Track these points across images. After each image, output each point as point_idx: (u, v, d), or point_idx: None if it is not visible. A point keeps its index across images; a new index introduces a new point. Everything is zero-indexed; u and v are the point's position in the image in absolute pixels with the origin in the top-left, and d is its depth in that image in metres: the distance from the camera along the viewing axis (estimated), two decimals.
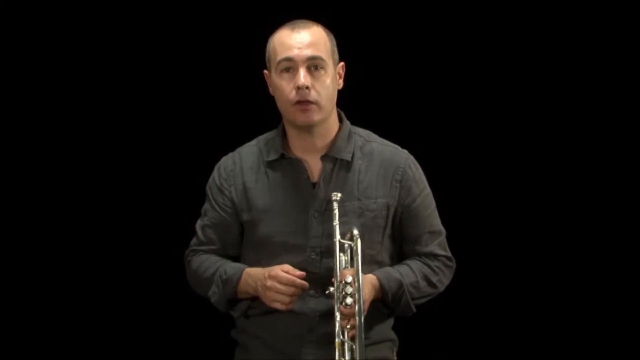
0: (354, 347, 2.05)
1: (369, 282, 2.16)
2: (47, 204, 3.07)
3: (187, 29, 3.04)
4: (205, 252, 2.32)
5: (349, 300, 2.04)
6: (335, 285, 2.08)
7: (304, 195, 2.24)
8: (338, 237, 2.11)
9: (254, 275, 2.21)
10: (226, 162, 2.35)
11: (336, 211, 2.12)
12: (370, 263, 2.22)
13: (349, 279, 2.06)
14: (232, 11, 3.00)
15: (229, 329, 2.38)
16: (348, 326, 2.07)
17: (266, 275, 2.15)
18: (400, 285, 2.22)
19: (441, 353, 2.98)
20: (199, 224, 2.36)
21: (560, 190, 3.11)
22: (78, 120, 3.08)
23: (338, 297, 2.06)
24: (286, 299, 2.14)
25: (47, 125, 3.06)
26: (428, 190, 2.34)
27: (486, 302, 3.10)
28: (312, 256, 2.21)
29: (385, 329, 2.31)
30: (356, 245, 2.09)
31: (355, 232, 2.11)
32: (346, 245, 2.12)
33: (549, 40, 3.07)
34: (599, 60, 3.06)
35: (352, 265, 2.10)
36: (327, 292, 2.11)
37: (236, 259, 2.33)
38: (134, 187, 3.09)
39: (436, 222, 2.34)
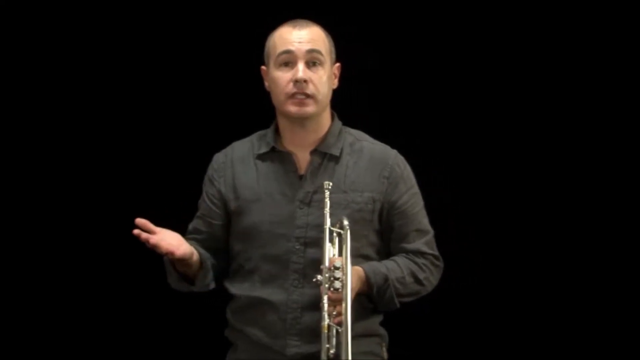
0: (339, 331, 2.05)
1: (355, 272, 2.18)
2: (36, 202, 3.11)
3: (184, 29, 3.10)
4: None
5: (337, 284, 2.05)
6: (324, 270, 2.09)
7: (290, 187, 2.28)
8: (328, 224, 2.15)
9: None
10: (219, 156, 2.41)
11: (327, 200, 2.16)
12: (356, 256, 2.22)
13: (338, 263, 2.07)
14: (229, 12, 3.07)
15: (223, 328, 2.40)
16: (334, 312, 2.08)
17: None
18: (386, 279, 2.23)
19: (434, 350, 3.00)
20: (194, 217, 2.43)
21: (551, 190, 3.13)
22: (75, 120, 3.14)
23: (326, 282, 2.07)
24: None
25: (39, 123, 3.11)
26: (416, 189, 2.36)
27: (479, 300, 3.11)
28: (297, 246, 2.24)
29: (371, 323, 2.31)
30: (346, 234, 2.11)
31: (346, 222, 2.13)
32: (334, 235, 2.14)
33: (541, 39, 3.11)
34: (592, 61, 3.09)
35: (340, 255, 2.12)
36: (314, 279, 2.12)
37: (223, 251, 2.36)
38: (130, 186, 3.13)
39: (424, 221, 2.36)
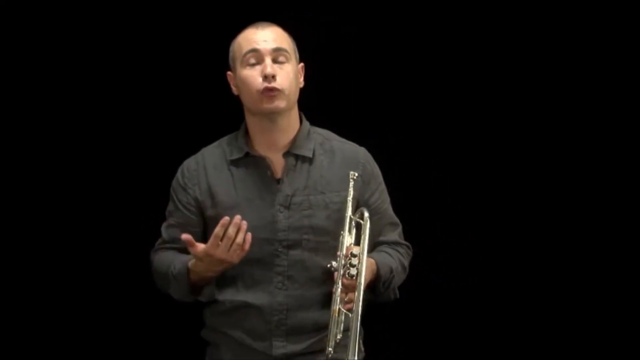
0: (349, 315, 2.10)
1: (370, 264, 2.23)
2: (22, 203, 3.04)
3: (155, 32, 3.05)
4: (167, 249, 2.35)
5: (353, 271, 2.11)
6: (340, 256, 2.15)
7: (268, 191, 2.30)
8: (350, 212, 2.22)
9: (197, 261, 2.21)
10: (189, 163, 2.40)
11: (351, 189, 2.24)
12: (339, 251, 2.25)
13: (356, 251, 2.13)
14: (201, 16, 3.03)
15: (198, 329, 2.41)
16: (346, 299, 2.13)
17: (207, 251, 2.15)
18: (391, 270, 2.31)
19: (434, 350, 3.02)
20: (163, 226, 2.40)
21: (551, 189, 3.14)
22: (71, 120, 3.06)
23: (342, 268, 2.13)
24: (238, 245, 2.13)
25: (28, 124, 3.03)
26: (384, 185, 2.44)
27: (478, 300, 3.12)
28: (279, 249, 2.27)
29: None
30: (365, 224, 2.19)
31: (366, 213, 2.22)
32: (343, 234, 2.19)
33: (536, 36, 3.10)
34: (590, 59, 3.08)
35: (357, 245, 2.19)
36: (328, 265, 2.18)
37: None
38: (103, 193, 3.08)
39: (393, 214, 2.45)
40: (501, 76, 3.11)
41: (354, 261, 2.12)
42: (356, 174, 2.25)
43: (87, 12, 2.99)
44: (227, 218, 2.11)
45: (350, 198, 2.23)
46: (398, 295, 2.37)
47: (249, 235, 2.13)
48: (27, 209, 3.02)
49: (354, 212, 2.31)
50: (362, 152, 2.40)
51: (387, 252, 2.38)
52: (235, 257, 2.15)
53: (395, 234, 2.43)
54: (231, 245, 2.12)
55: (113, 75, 3.03)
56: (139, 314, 3.05)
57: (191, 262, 2.24)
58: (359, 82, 3.04)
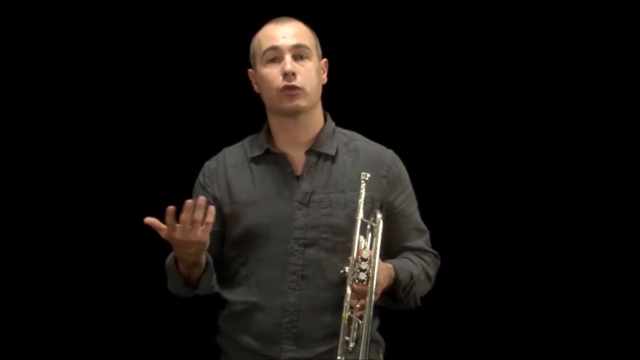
0: (360, 324, 2.02)
1: (386, 268, 2.14)
2: (20, 204, 3.07)
3: (173, 31, 3.08)
4: None
5: (362, 276, 2.01)
6: (351, 261, 2.06)
7: (287, 188, 2.23)
8: (361, 215, 2.12)
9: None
10: (210, 163, 2.36)
11: (363, 190, 2.13)
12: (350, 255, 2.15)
13: (366, 255, 2.04)
14: (218, 13, 3.05)
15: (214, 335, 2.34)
16: (358, 305, 2.03)
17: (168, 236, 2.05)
18: (411, 276, 2.20)
19: (433, 351, 2.99)
20: None
21: (550, 189, 3.13)
22: (71, 121, 3.10)
23: (352, 273, 2.04)
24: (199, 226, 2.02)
25: (26, 125, 3.07)
26: (412, 189, 2.34)
27: (478, 301, 3.10)
28: (295, 247, 2.19)
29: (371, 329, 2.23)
30: (377, 227, 2.10)
31: (379, 215, 2.12)
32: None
33: (537, 38, 3.10)
34: (587, 59, 3.09)
35: (370, 248, 2.09)
36: (342, 271, 2.08)
37: (218, 258, 2.28)
38: (119, 189, 3.09)
39: (421, 221, 2.35)
40: (500, 77, 3.10)
41: (364, 265, 2.02)
42: (368, 175, 2.15)
43: (107, 11, 3.04)
44: (190, 201, 2.01)
45: (361, 200, 2.12)
46: (419, 303, 2.25)
47: (211, 207, 2.03)
48: (53, 210, 3.06)
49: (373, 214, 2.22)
50: (389, 154, 2.32)
51: (409, 259, 2.27)
52: (197, 235, 2.03)
53: (421, 241, 2.31)
54: (191, 225, 2.01)
55: (140, 76, 3.07)
56: (156, 322, 3.05)
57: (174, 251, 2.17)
58: (358, 83, 3.02)
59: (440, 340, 3.05)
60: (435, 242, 2.34)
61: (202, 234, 2.04)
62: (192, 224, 2.01)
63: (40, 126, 3.07)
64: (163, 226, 2.03)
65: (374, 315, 2.19)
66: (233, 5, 3.02)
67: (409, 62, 3.11)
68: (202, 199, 2.02)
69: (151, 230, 2.71)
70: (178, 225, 2.01)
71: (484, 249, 3.09)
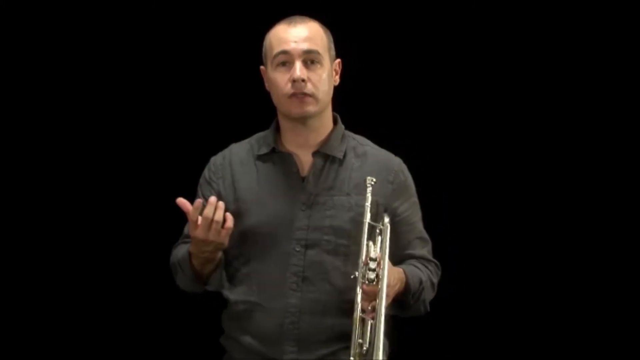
0: (372, 323, 2.00)
1: (396, 272, 2.13)
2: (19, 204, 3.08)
3: (182, 28, 3.07)
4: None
5: (371, 275, 2.00)
6: (360, 264, 2.04)
7: (292, 188, 2.22)
8: (368, 218, 2.11)
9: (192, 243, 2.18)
10: (216, 158, 2.35)
11: (369, 194, 2.12)
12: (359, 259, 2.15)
13: (374, 255, 2.03)
14: (230, 10, 3.04)
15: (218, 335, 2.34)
16: (369, 307, 2.02)
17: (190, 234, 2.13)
18: (420, 282, 2.20)
19: (432, 353, 2.99)
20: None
21: (549, 192, 3.13)
22: (70, 121, 3.10)
23: (362, 276, 2.03)
24: (217, 223, 2.08)
25: (27, 125, 3.08)
26: (416, 199, 2.34)
27: (476, 304, 3.10)
28: (297, 248, 2.19)
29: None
30: (385, 230, 2.10)
31: (387, 219, 2.12)
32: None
33: (535, 41, 3.10)
34: (584, 59, 3.08)
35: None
36: (352, 277, 2.06)
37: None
38: (128, 187, 3.10)
39: (424, 231, 2.34)
40: (499, 77, 3.09)
41: (372, 265, 2.01)
42: (374, 180, 2.14)
43: (113, 12, 3.05)
44: (199, 200, 2.09)
45: (368, 204, 2.11)
46: (428, 309, 2.26)
47: (229, 214, 2.09)
48: (58, 208, 3.08)
49: (380, 217, 2.20)
50: (396, 161, 2.32)
51: (415, 266, 2.26)
52: (218, 236, 2.09)
53: (424, 250, 2.30)
54: (210, 225, 2.07)
55: (152, 74, 3.08)
56: (161, 320, 3.06)
57: (190, 246, 2.19)
58: (358, 82, 2.96)
59: (444, 344, 3.07)
60: (433, 244, 2.35)
61: (222, 236, 2.10)
62: (212, 223, 2.07)
63: (39, 125, 3.09)
64: (190, 207, 2.09)
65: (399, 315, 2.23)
66: (243, 1, 3.02)
67: (406, 63, 3.11)
68: (221, 203, 2.08)
69: (156, 228, 2.78)
70: (199, 222, 2.07)
71: (482, 252, 3.10)
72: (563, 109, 3.09)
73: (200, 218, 2.08)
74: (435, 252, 2.33)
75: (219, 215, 2.07)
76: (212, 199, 2.09)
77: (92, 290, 3.06)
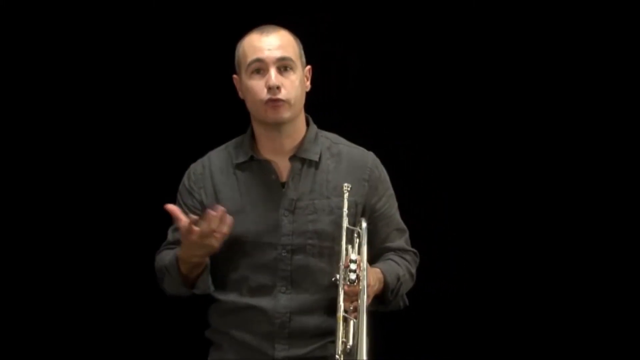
0: (354, 322, 2.07)
1: (375, 273, 2.21)
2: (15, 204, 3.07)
3: (160, 34, 3.06)
4: (170, 250, 2.33)
5: (352, 276, 2.05)
6: (341, 267, 2.11)
7: (273, 195, 2.29)
8: (346, 222, 2.17)
9: (181, 247, 2.21)
10: (195, 166, 2.39)
11: (346, 201, 2.19)
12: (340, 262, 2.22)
13: (354, 256, 2.09)
14: (203, 18, 3.03)
15: (203, 329, 2.40)
16: (351, 307, 2.09)
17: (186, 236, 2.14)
18: (398, 278, 2.29)
19: (430, 353, 3.01)
20: (170, 229, 2.38)
21: (547, 192, 3.12)
22: (66, 121, 3.08)
23: (342, 278, 2.08)
24: (216, 235, 2.12)
25: (23, 126, 3.06)
26: (392, 190, 2.41)
27: (473, 304, 3.11)
28: (283, 254, 2.26)
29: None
30: (363, 233, 2.15)
31: (364, 223, 2.18)
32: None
33: (530, 39, 3.09)
34: (581, 59, 3.07)
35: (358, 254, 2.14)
36: (333, 279, 2.14)
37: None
38: (107, 196, 3.09)
39: (401, 221, 2.42)
40: (499, 77, 3.09)
41: (353, 266, 2.08)
42: (350, 187, 2.21)
43: (95, 13, 3.01)
44: (213, 213, 2.10)
45: (345, 209, 2.19)
46: (407, 303, 2.35)
47: (230, 218, 2.12)
48: (45, 208, 3.06)
49: (359, 217, 2.28)
50: (370, 157, 2.38)
51: (393, 260, 2.35)
52: (213, 241, 2.13)
53: (402, 241, 2.40)
54: (210, 233, 2.11)
55: (120, 77, 3.04)
56: (143, 315, 3.06)
57: (178, 250, 2.24)
58: (357, 83, 3.02)
59: (427, 342, 3.08)
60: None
61: (217, 241, 2.13)
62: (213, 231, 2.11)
63: (29, 128, 3.06)
64: (182, 217, 2.12)
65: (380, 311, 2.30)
66: (218, 9, 3.00)
67: (405, 63, 3.10)
68: (221, 209, 2.11)
69: (143, 227, 2.78)
70: (196, 229, 2.10)
71: (481, 251, 3.10)
72: (563, 109, 3.09)
73: (195, 228, 2.10)
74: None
75: (220, 227, 2.10)
76: (221, 210, 2.11)
77: (80, 287, 3.08)
